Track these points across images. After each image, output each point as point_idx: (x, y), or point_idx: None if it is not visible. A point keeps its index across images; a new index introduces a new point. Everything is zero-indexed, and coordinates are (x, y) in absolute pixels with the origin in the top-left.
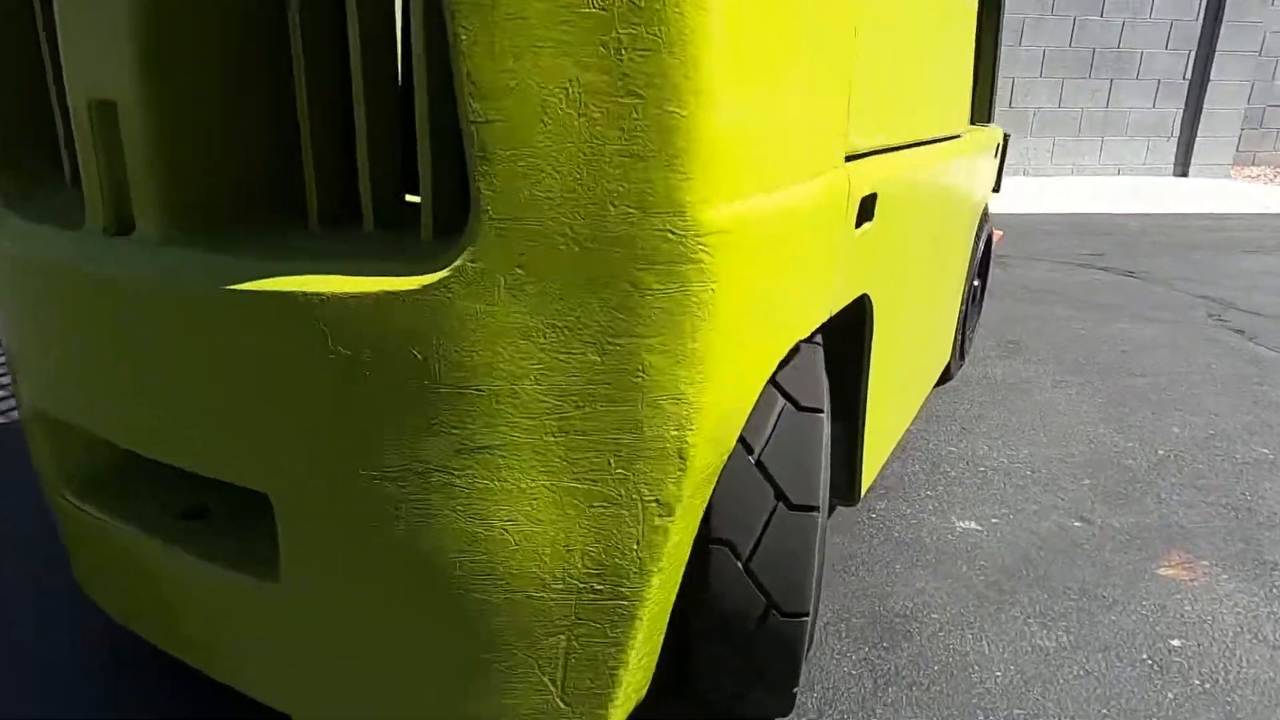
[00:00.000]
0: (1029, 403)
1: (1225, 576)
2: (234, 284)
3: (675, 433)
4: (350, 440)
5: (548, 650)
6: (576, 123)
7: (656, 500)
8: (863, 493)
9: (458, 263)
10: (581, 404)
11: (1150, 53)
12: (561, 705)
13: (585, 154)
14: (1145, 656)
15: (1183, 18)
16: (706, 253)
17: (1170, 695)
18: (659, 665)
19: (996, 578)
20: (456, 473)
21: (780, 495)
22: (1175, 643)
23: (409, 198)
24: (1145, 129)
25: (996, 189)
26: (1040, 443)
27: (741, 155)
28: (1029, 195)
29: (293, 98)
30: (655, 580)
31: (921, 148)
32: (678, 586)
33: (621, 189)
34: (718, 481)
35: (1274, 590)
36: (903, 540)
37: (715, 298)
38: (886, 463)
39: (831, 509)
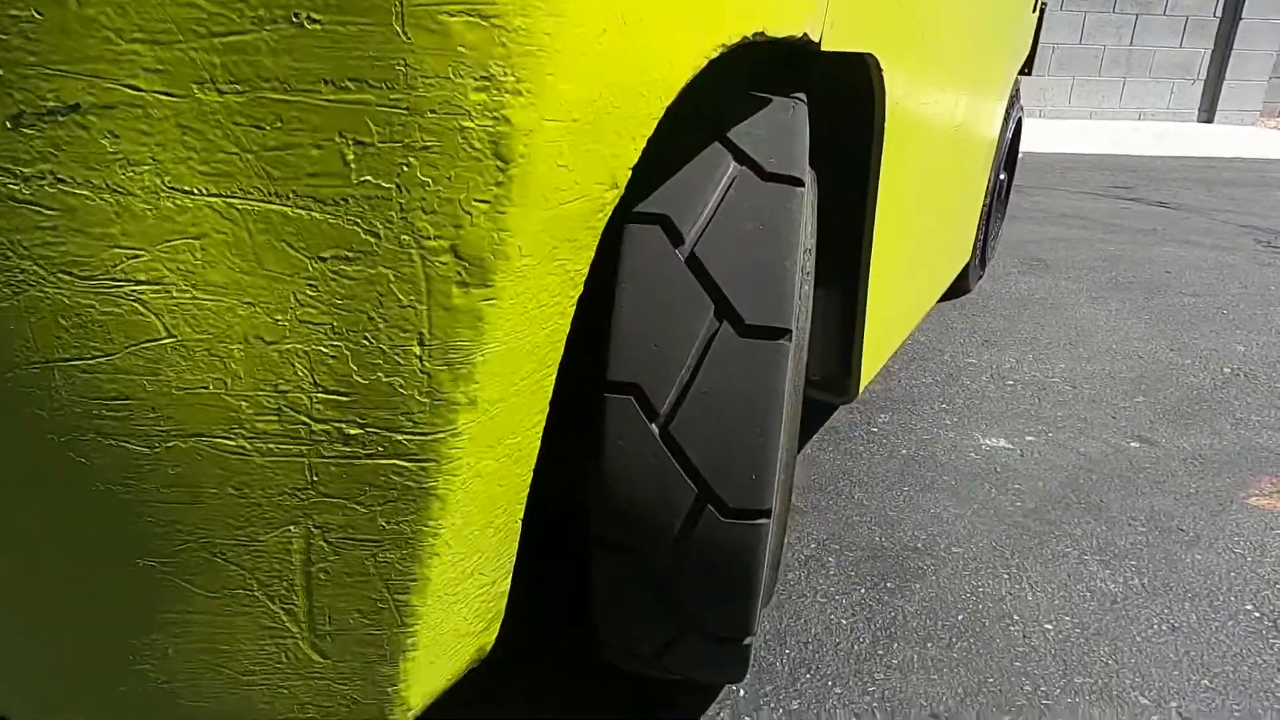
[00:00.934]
0: (1063, 318)
1: None
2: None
3: (486, 110)
4: None
5: (269, 556)
6: None
7: (455, 251)
8: (861, 386)
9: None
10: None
11: None
12: (313, 655)
13: None
14: (1250, 607)
15: None
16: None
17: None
18: (526, 596)
19: (1036, 504)
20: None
21: (725, 311)
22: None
23: None
24: (1171, 70)
25: (1028, 70)
26: (1080, 357)
27: None
28: (1047, 136)
29: None
30: (472, 427)
31: None
32: (529, 452)
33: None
34: (618, 282)
35: None
36: (912, 457)
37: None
38: (891, 366)
39: (815, 409)
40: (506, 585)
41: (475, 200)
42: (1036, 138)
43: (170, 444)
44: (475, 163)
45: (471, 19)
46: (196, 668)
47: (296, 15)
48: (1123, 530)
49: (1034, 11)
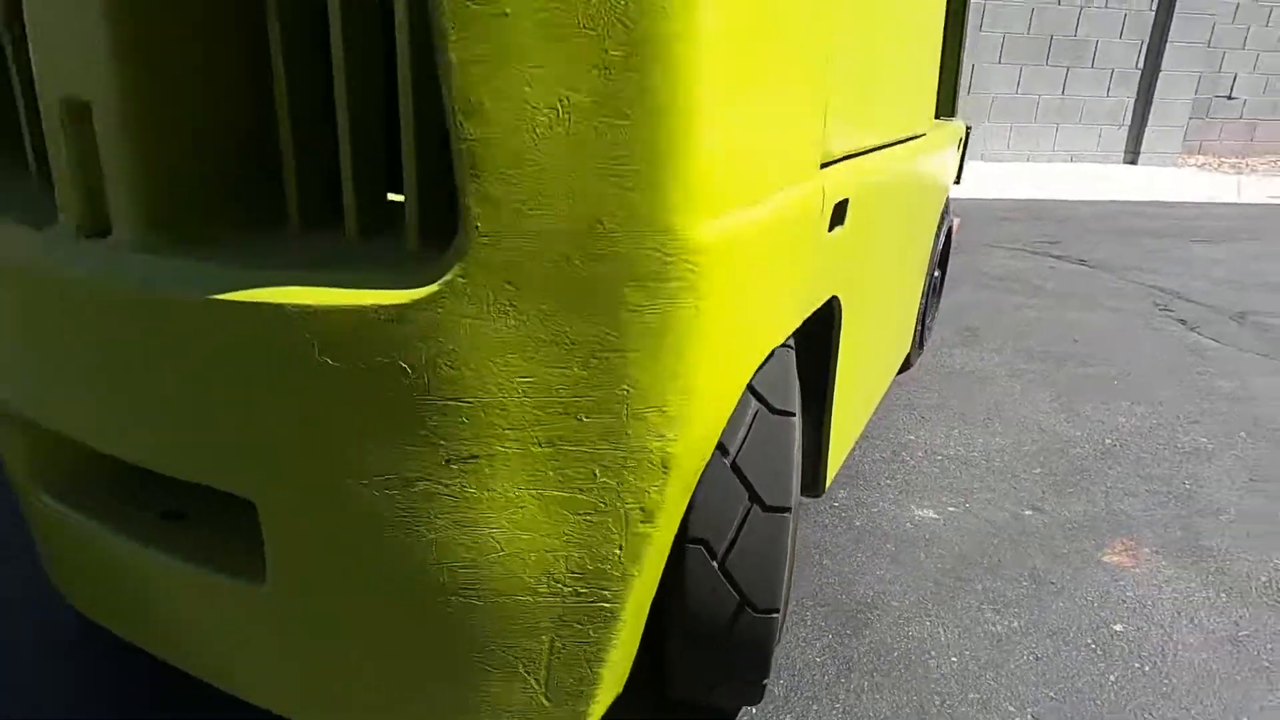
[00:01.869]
0: (986, 392)
1: (1165, 563)
2: (218, 294)
3: (658, 443)
4: (338, 450)
5: (532, 650)
6: (565, 141)
7: (640, 507)
8: (827, 485)
9: (447, 277)
10: (568, 416)
11: (1105, 41)
12: (545, 703)
13: (574, 172)
14: (1090, 641)
15: (1137, 7)
16: (692, 269)
17: (1112, 678)
18: (635, 659)
19: (953, 565)
20: (444, 482)
21: (754, 497)
22: (1118, 627)
23: (391, 195)
24: (1099, 116)
25: (958, 181)
26: (996, 432)
27: (725, 171)
28: (986, 181)
29: (274, 96)
30: (636, 583)
31: (890, 148)
32: (656, 586)
33: (609, 207)
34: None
35: (1209, 577)
36: (864, 529)
37: (699, 312)
38: (848, 452)
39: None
40: (633, 655)
41: (651, 489)
42: (978, 183)
43: (491, 600)
44: (653, 469)
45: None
46: (478, 705)
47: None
48: (1011, 585)
49: (958, 149)
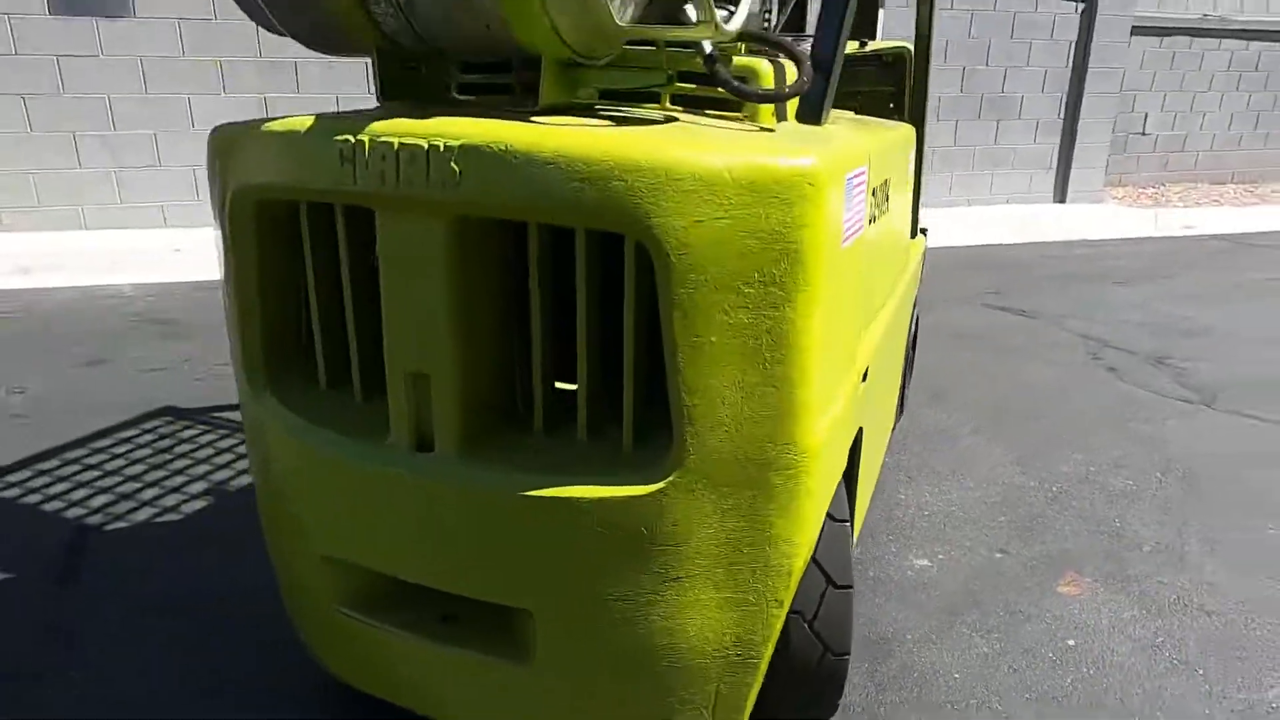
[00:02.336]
0: (955, 450)
1: (1101, 589)
2: (526, 491)
3: (786, 560)
4: (597, 578)
5: (707, 693)
6: (743, 402)
7: (776, 599)
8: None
9: (671, 478)
10: (737, 549)
11: (1030, 96)
12: None
13: (747, 417)
14: (1051, 654)
15: (1055, 65)
16: (807, 460)
17: (1068, 680)
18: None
19: (947, 603)
20: (661, 594)
21: (829, 580)
22: (1071, 642)
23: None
24: (1029, 162)
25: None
26: (967, 487)
27: (822, 399)
28: (932, 228)
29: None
30: (769, 645)
31: (890, 304)
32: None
33: (765, 433)
34: None
35: (1134, 598)
36: (877, 578)
37: (809, 482)
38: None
39: None
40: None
41: (781, 587)
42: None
43: (686, 662)
44: (782, 575)
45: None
46: None
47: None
48: (992, 615)
49: (923, 254)
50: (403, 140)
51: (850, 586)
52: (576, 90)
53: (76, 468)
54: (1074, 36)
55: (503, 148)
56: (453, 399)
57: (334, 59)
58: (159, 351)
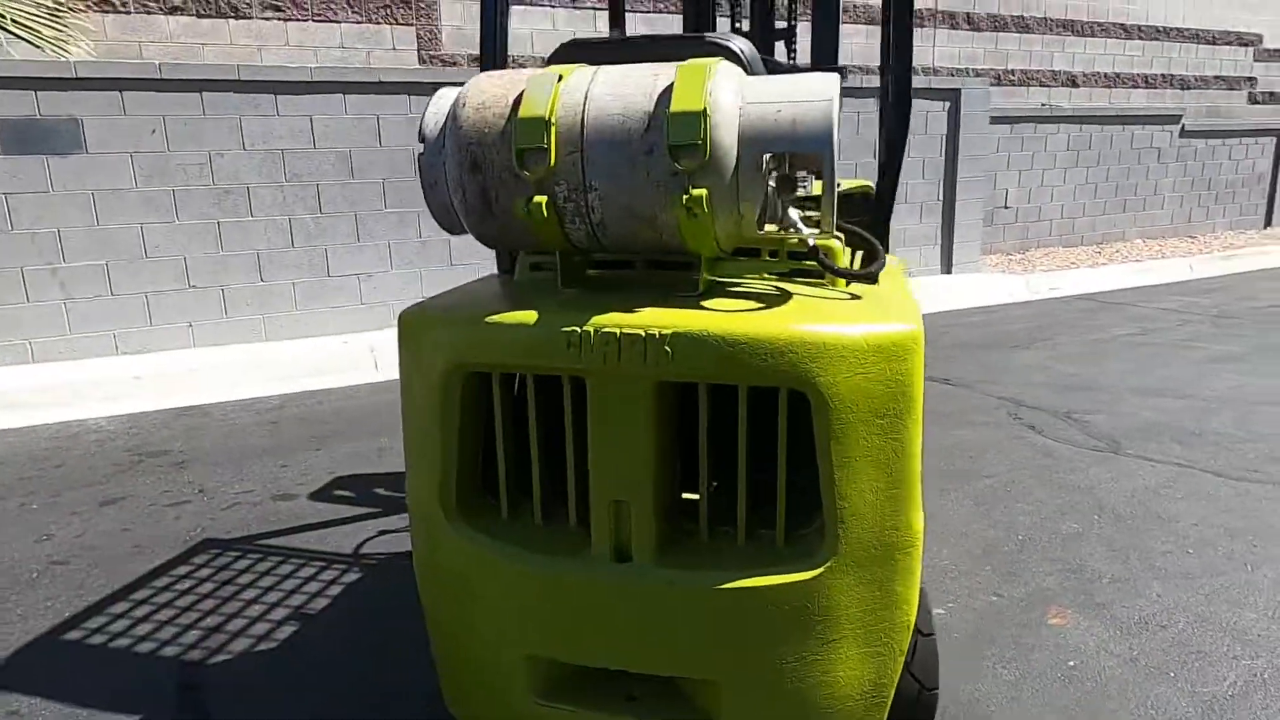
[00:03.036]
0: (933, 509)
1: (1081, 618)
2: (715, 585)
3: (906, 619)
4: (772, 647)
5: None
6: (876, 504)
7: (900, 650)
8: None
9: (829, 564)
10: (873, 613)
11: (913, 183)
12: None
13: (880, 512)
14: (1060, 676)
15: (931, 155)
16: (918, 538)
17: (1078, 695)
18: None
19: (967, 644)
20: (821, 653)
21: (918, 631)
22: (1071, 664)
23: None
24: (917, 240)
25: None
26: (952, 542)
27: (919, 493)
28: None
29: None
30: (893, 687)
31: None
32: None
33: (893, 524)
34: None
35: (1109, 622)
36: None
37: (918, 557)
38: None
39: None
40: None
41: (904, 640)
42: None
43: (838, 704)
44: (905, 631)
45: None
46: None
47: None
48: (1005, 649)
49: None
50: (624, 330)
51: (933, 634)
52: (716, 273)
53: (149, 608)
54: (944, 130)
55: (706, 334)
56: (648, 519)
57: (292, 186)
58: (168, 484)
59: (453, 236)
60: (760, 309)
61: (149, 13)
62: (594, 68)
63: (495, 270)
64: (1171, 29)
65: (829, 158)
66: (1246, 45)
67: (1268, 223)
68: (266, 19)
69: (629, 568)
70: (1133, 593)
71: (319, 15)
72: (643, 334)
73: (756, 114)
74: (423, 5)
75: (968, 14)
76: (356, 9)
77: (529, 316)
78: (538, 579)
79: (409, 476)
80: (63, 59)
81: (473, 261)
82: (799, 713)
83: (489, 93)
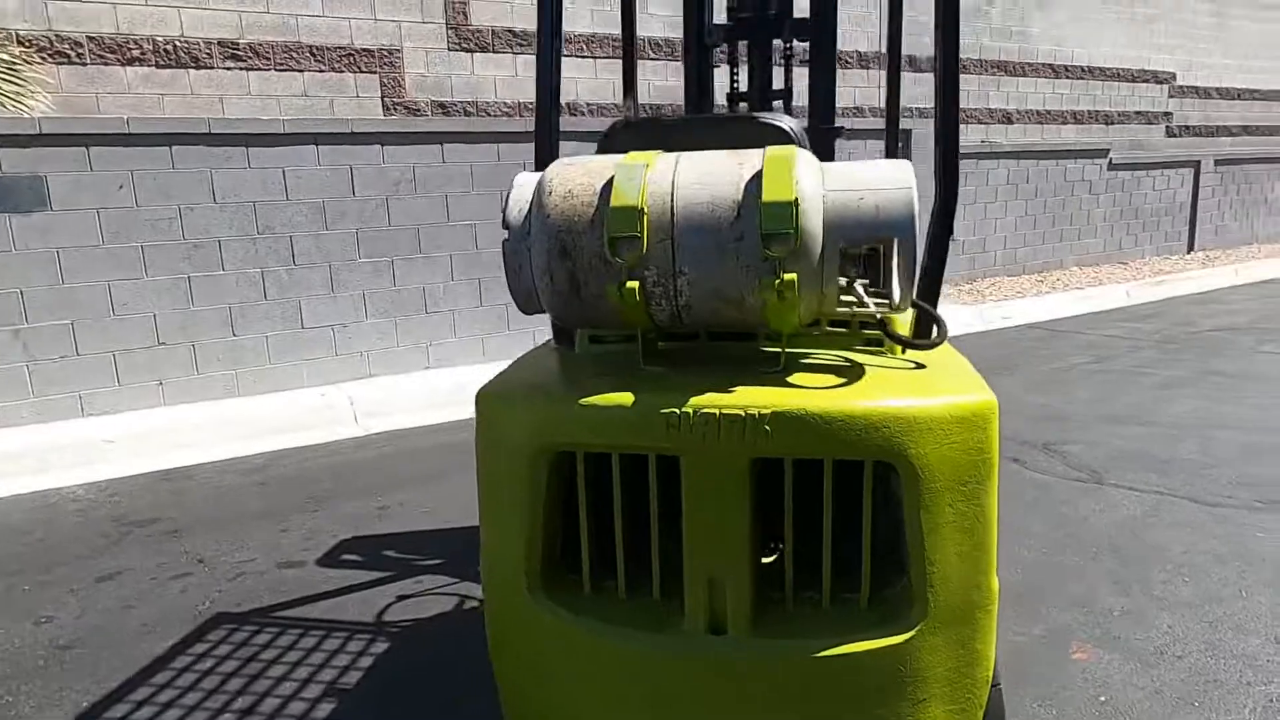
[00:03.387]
0: None
1: (1102, 652)
2: (810, 653)
3: (985, 673)
4: (866, 708)
5: None
6: (960, 565)
7: (980, 704)
8: None
9: (919, 627)
10: (958, 670)
11: None
12: None
13: (964, 574)
14: (1095, 710)
15: None
16: (994, 597)
17: None
18: None
19: (1008, 684)
20: (913, 712)
21: (993, 683)
22: (1102, 699)
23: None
24: None
25: None
26: None
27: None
28: None
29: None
30: None
31: None
32: None
33: (974, 583)
34: None
35: (1130, 654)
36: None
37: (995, 614)
38: None
39: None
40: None
41: (985, 688)
42: None
43: None
44: (985, 683)
45: None
46: None
47: None
48: (1041, 687)
49: None
50: (723, 411)
51: (1000, 685)
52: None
53: (173, 692)
54: None
55: (804, 413)
56: (744, 592)
57: (259, 239)
58: (164, 555)
59: (426, 286)
60: (844, 384)
61: (105, 64)
62: (675, 155)
63: (502, 326)
64: (1095, 68)
65: (911, 242)
66: (1162, 83)
67: (1190, 248)
68: (228, 69)
69: (724, 640)
70: (1144, 624)
71: (281, 65)
72: (742, 414)
73: (841, 201)
74: (386, 54)
75: (911, 56)
76: (319, 58)
77: (624, 398)
78: (629, 653)
79: (486, 551)
80: (25, 115)
81: (445, 309)
82: None
83: (574, 181)
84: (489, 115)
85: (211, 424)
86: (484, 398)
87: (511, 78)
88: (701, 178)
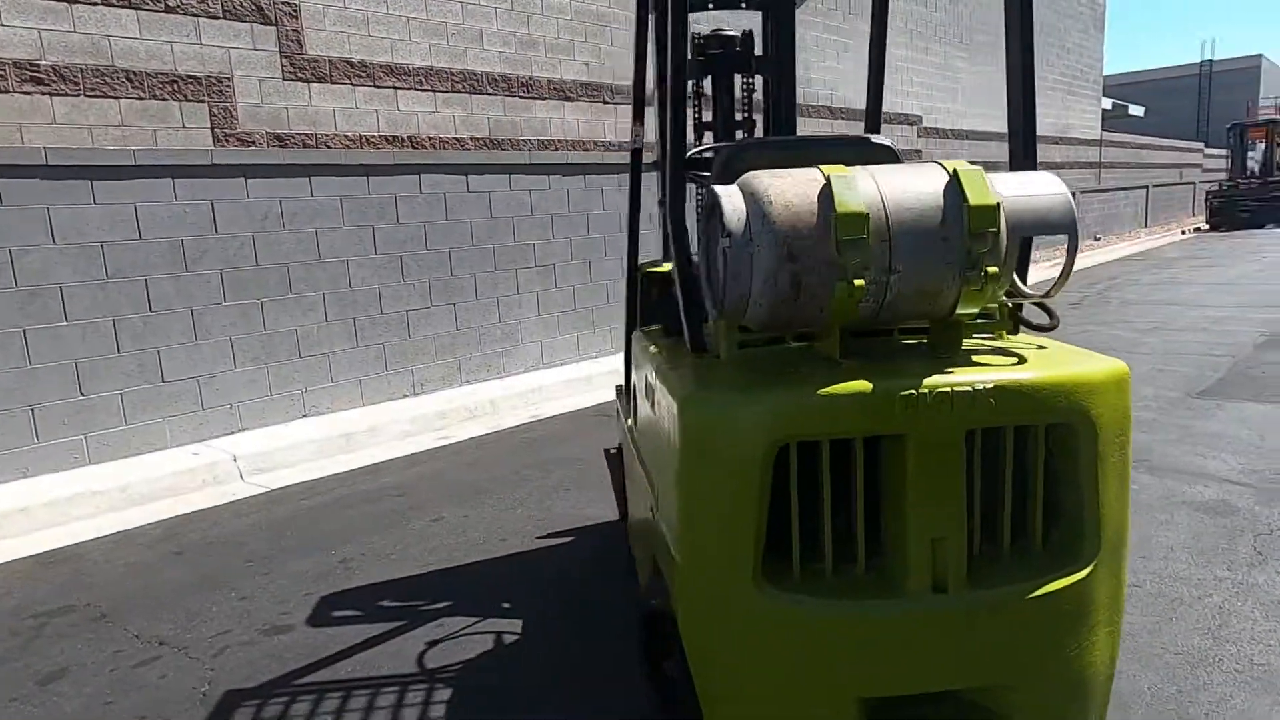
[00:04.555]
0: None
1: None
2: (1024, 596)
3: (1124, 600)
4: (1059, 641)
5: (1106, 691)
6: (1116, 505)
7: (1120, 628)
8: None
9: (1095, 560)
10: (1114, 597)
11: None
12: None
13: (1118, 512)
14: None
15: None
16: (1127, 531)
17: None
18: None
19: None
20: (1091, 638)
21: None
22: None
23: None
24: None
25: None
26: None
27: None
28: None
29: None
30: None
31: None
32: None
33: (1123, 520)
34: None
35: None
36: None
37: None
38: None
39: None
40: None
41: (1121, 621)
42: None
43: (1100, 677)
44: (1123, 609)
45: None
46: None
47: None
48: None
49: None
50: (956, 388)
51: None
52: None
53: None
54: None
55: (1019, 384)
56: (960, 552)
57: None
58: (109, 642)
59: (299, 329)
60: (1022, 361)
61: None
62: (867, 169)
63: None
64: (859, 109)
65: (1076, 237)
66: (912, 124)
67: None
68: (27, 93)
69: (943, 598)
70: None
71: (92, 90)
72: (970, 389)
73: (1022, 205)
74: (215, 81)
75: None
76: (136, 84)
77: (861, 386)
78: (861, 622)
79: (697, 555)
80: None
81: (320, 352)
82: (1075, 695)
83: (789, 192)
84: (329, 148)
85: (74, 498)
86: (695, 401)
87: (352, 110)
88: (905, 186)
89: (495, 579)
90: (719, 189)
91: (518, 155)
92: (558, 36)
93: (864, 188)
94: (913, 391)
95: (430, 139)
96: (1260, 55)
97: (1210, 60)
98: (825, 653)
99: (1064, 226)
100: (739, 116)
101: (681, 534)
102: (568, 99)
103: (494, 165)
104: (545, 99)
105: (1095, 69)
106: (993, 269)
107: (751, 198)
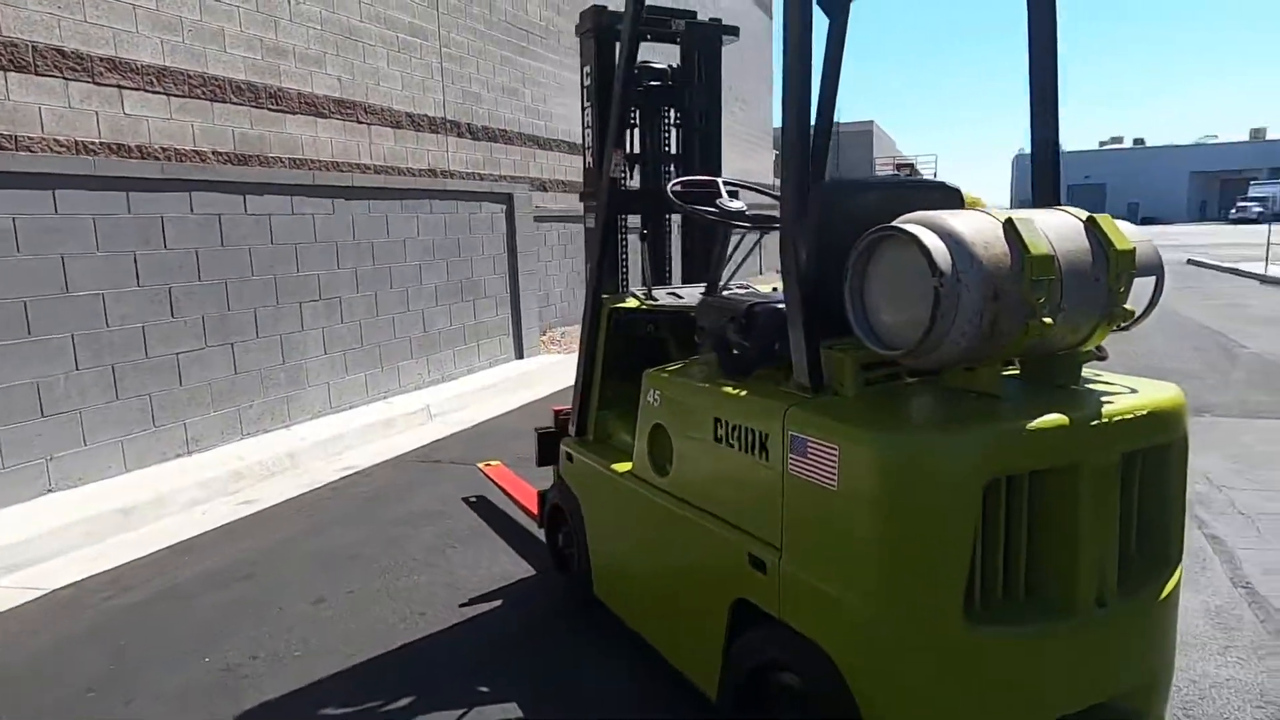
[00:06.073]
0: None
1: None
2: (1154, 601)
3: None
4: (1170, 638)
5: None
6: (1183, 516)
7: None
8: None
9: (1181, 563)
10: (1178, 587)
11: (489, 279)
12: None
13: (1183, 523)
14: None
15: (499, 252)
16: None
17: None
18: None
19: None
20: (1175, 622)
21: None
22: None
23: None
24: (496, 330)
25: None
26: None
27: None
28: (453, 400)
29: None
30: None
31: None
32: None
33: (1183, 524)
34: None
35: None
36: None
37: None
38: None
39: None
40: None
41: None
42: (470, 411)
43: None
44: None
45: None
46: None
47: None
48: None
49: None
50: (1123, 415)
51: None
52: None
53: None
54: (504, 229)
55: (1157, 408)
56: (1113, 568)
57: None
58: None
59: (40, 381)
60: (1128, 390)
61: None
62: (1026, 213)
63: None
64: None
65: (1162, 279)
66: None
67: None
68: None
69: (1106, 609)
70: None
71: None
72: (1131, 416)
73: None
74: None
75: (469, 125)
76: None
77: (1059, 420)
78: (1054, 643)
79: (894, 602)
80: None
81: (69, 409)
82: (1169, 683)
83: (985, 233)
84: (32, 153)
85: None
86: (892, 443)
87: (65, 109)
88: (1061, 230)
89: (451, 662)
90: (918, 231)
91: (301, 175)
92: (308, 46)
93: (1040, 231)
94: (1100, 420)
95: (163, 149)
96: (872, 121)
97: (839, 122)
98: (1024, 677)
99: (1156, 269)
100: (670, 150)
101: (880, 580)
102: (321, 115)
103: (275, 185)
104: (296, 113)
105: (769, 122)
106: (1130, 307)
107: (951, 238)
